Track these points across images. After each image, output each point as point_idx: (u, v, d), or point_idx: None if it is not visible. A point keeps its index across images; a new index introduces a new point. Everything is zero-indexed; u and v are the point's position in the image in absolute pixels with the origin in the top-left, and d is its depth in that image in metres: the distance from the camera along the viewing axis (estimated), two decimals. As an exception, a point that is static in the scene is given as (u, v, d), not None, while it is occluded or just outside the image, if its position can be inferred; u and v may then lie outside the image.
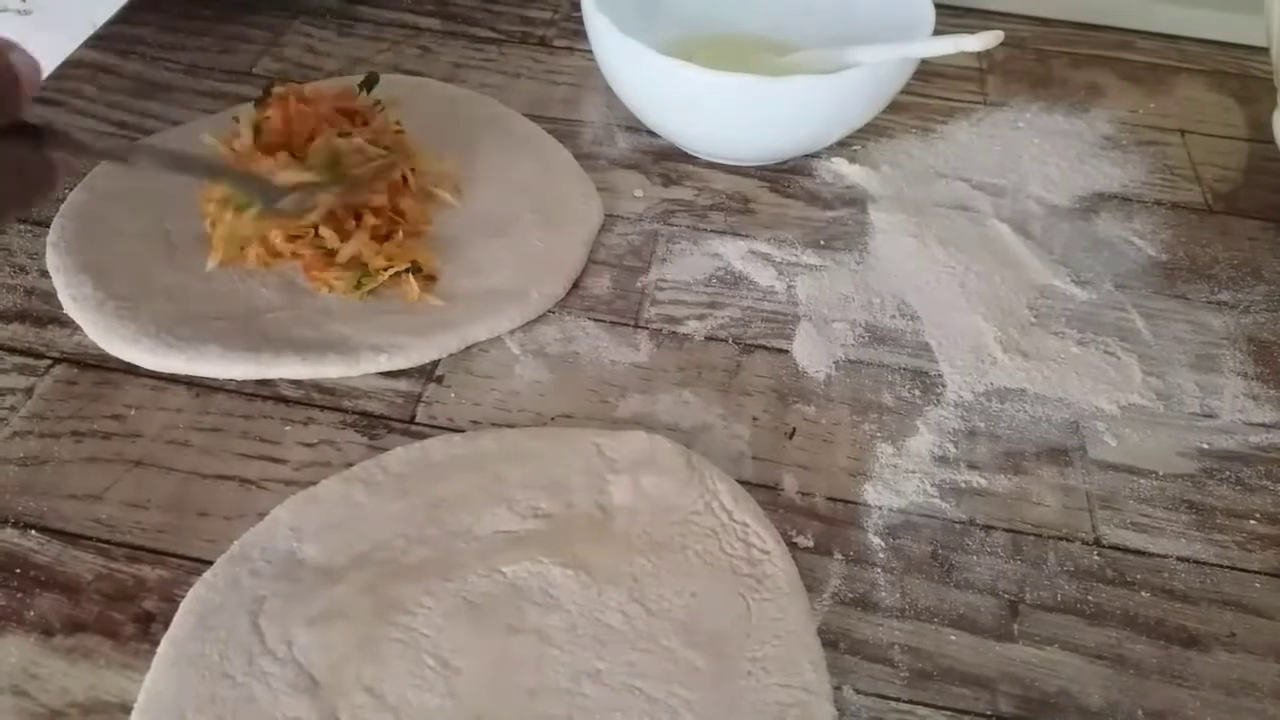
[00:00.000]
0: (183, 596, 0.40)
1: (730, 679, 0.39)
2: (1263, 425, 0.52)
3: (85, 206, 0.57)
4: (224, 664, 0.38)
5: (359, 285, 0.52)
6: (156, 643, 0.39)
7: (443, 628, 0.40)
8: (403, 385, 0.50)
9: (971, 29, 0.58)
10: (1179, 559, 0.46)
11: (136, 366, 0.50)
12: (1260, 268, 0.61)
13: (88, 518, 0.44)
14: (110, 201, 0.57)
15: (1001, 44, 0.57)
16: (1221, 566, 0.45)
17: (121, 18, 0.74)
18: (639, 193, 0.63)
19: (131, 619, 0.40)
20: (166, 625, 0.40)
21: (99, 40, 0.72)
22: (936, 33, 0.61)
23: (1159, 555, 0.46)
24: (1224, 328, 0.57)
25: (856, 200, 0.64)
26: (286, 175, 0.51)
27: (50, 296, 0.52)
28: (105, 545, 0.43)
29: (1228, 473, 0.49)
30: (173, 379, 0.50)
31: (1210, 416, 0.52)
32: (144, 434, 0.47)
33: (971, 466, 0.49)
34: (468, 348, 0.52)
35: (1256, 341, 0.56)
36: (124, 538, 0.43)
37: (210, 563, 0.42)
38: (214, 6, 0.76)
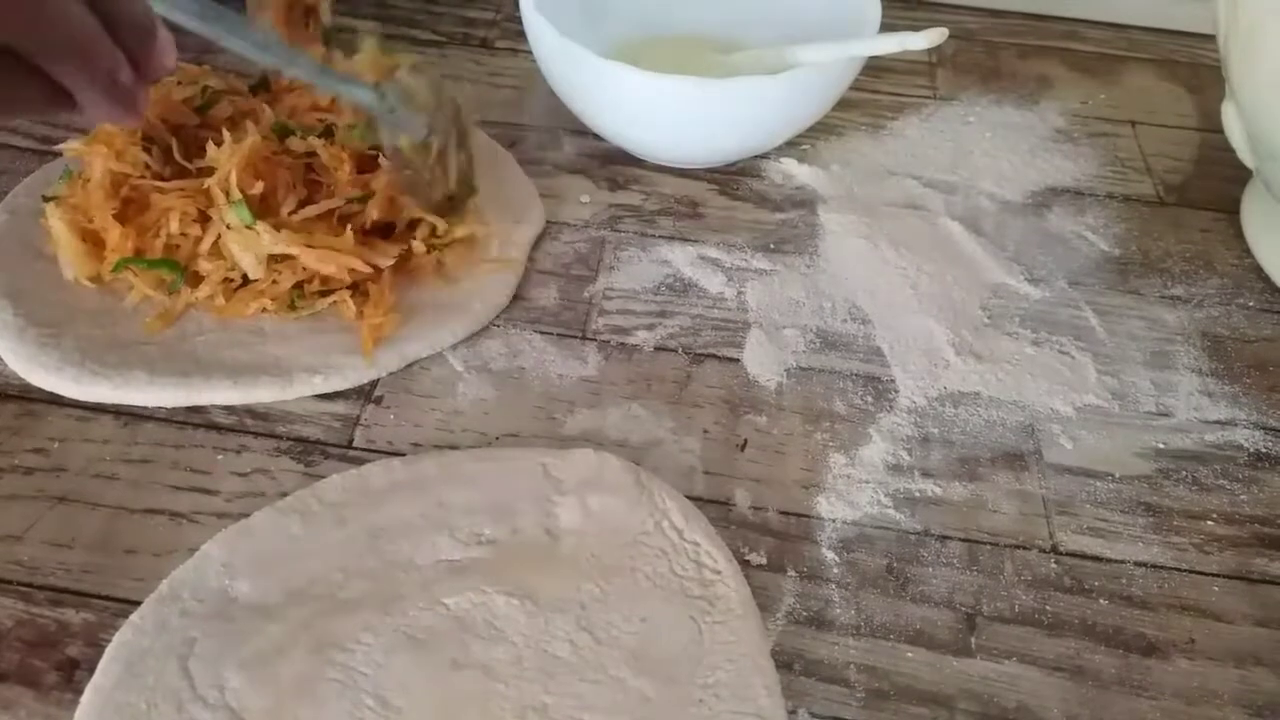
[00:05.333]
0: (109, 641, 0.39)
1: (681, 708, 0.38)
2: (1218, 423, 0.51)
3: (5, 228, 0.54)
4: (151, 713, 0.36)
5: (294, 306, 0.50)
6: (81, 692, 0.37)
7: (383, 665, 0.38)
8: (340, 408, 0.49)
9: (920, 22, 0.57)
10: (1136, 564, 0.45)
11: (60, 396, 0.48)
12: (1212, 260, 0.61)
13: (7, 560, 0.42)
14: (32, 222, 0.54)
15: (950, 36, 0.56)
16: (1180, 570, 0.45)
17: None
18: (585, 198, 0.62)
19: (54, 667, 0.39)
20: (92, 672, 0.38)
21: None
22: (884, 28, 0.60)
23: (1116, 561, 0.45)
24: (1178, 323, 0.56)
25: (806, 201, 0.63)
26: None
27: (-32, 324, 0.50)
28: (26, 589, 0.41)
29: (1184, 473, 0.49)
30: (99, 408, 0.47)
31: (1166, 415, 0.51)
32: (68, 468, 0.45)
33: (926, 474, 0.48)
34: (408, 365, 0.51)
35: (1210, 336, 0.56)
36: (46, 580, 0.41)
37: (138, 603, 0.40)
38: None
